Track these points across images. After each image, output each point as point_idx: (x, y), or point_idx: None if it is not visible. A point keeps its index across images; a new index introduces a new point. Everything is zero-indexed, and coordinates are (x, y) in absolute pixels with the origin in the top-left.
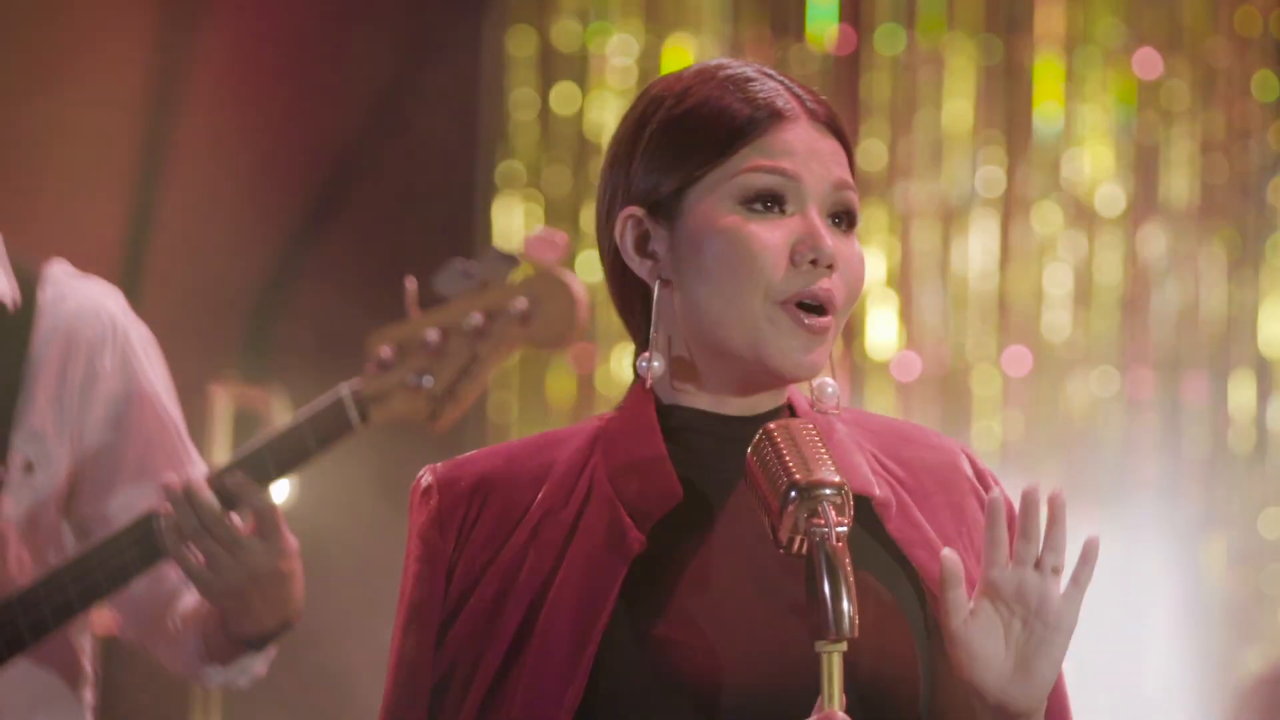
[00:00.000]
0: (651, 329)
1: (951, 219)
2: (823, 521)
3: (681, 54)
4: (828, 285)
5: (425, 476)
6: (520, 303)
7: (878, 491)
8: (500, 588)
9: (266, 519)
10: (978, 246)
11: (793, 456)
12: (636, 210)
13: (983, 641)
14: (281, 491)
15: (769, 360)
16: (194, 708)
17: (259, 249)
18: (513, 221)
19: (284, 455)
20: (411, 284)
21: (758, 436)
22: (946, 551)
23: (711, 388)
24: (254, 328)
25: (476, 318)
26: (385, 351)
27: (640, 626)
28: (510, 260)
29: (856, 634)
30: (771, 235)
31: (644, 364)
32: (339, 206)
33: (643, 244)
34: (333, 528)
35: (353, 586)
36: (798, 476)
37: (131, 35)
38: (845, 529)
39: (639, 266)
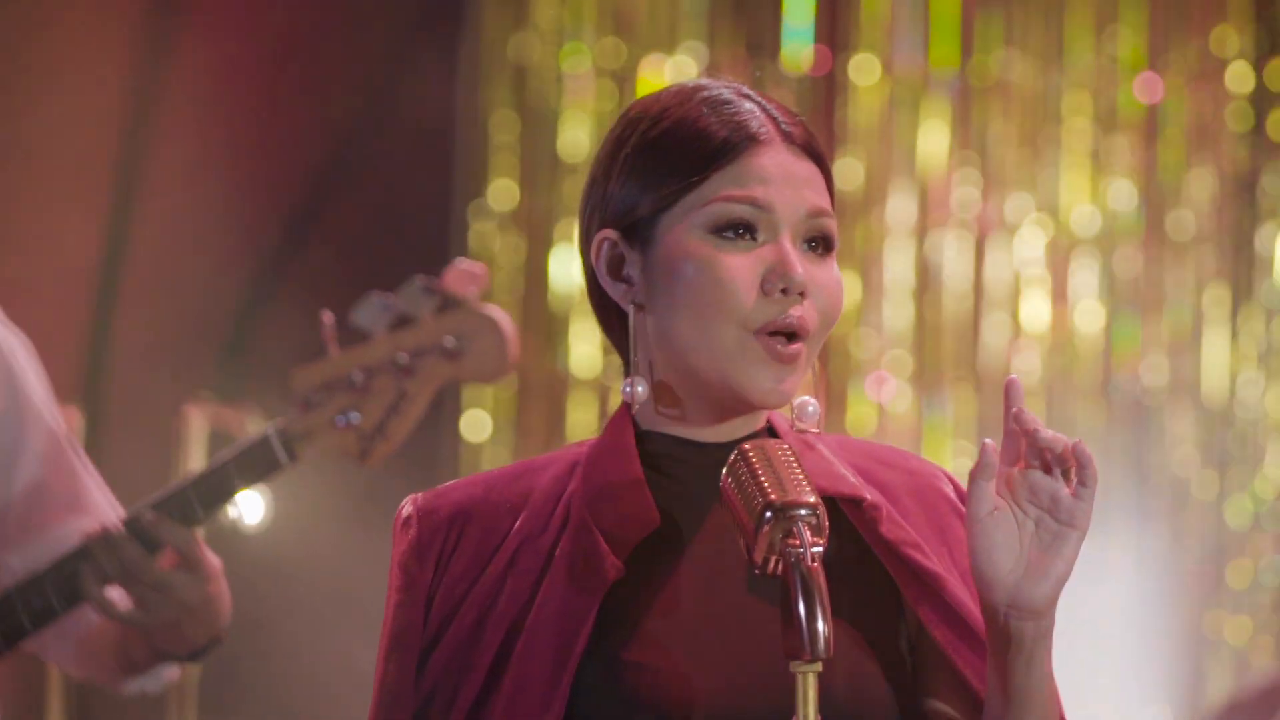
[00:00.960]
0: (631, 353)
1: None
2: (798, 542)
3: (656, 74)
4: (799, 313)
5: (406, 507)
6: (448, 340)
7: (868, 495)
8: (479, 615)
9: (188, 553)
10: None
11: (768, 477)
12: (611, 233)
13: (1000, 534)
14: (256, 510)
15: (740, 389)
16: (169, 710)
17: (234, 269)
18: (488, 241)
19: (210, 494)
20: (329, 319)
21: (733, 457)
22: (987, 441)
23: (688, 414)
24: (229, 348)
25: (403, 356)
26: (310, 391)
27: (617, 652)
28: (430, 293)
29: (831, 654)
30: (742, 264)
31: (628, 388)
32: (315, 227)
33: (617, 267)
34: (306, 544)
35: (326, 601)
36: (773, 497)
37: (108, 56)
38: (820, 549)
39: (613, 290)
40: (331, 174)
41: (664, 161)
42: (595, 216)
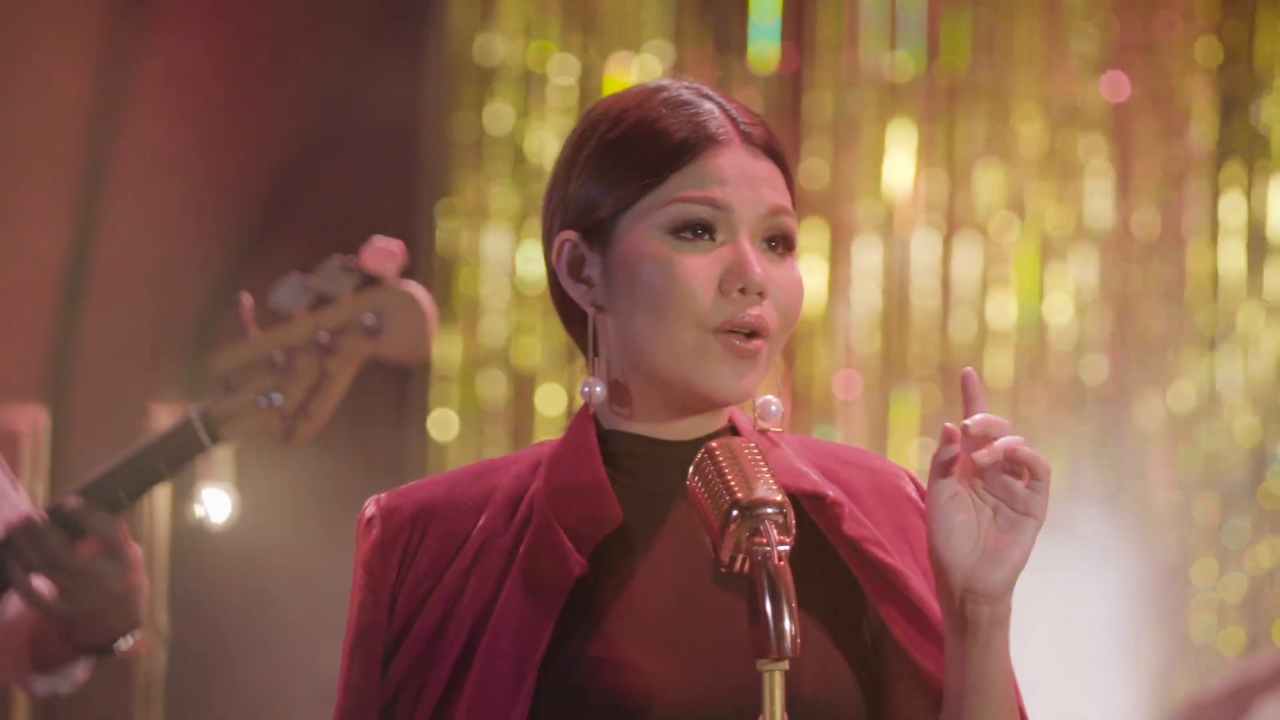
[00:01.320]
0: (591, 354)
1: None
2: (765, 540)
3: (623, 73)
4: (757, 313)
5: (369, 508)
6: (368, 318)
7: (830, 492)
8: (443, 613)
9: (111, 540)
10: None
11: (735, 475)
12: (571, 234)
13: (959, 519)
14: (223, 509)
15: (700, 387)
16: (135, 710)
17: (200, 268)
18: (456, 238)
19: (134, 481)
20: (247, 300)
21: (699, 455)
22: (948, 425)
23: (649, 412)
24: (195, 347)
25: (324, 335)
26: (229, 373)
27: (582, 649)
28: (349, 272)
29: (798, 653)
30: (700, 265)
31: (586, 389)
32: (280, 226)
33: (577, 268)
34: (272, 543)
35: (292, 600)
36: (740, 495)
37: (73, 56)
38: (787, 547)
39: (574, 291)
40: (297, 173)
41: (623, 163)
42: (556, 217)
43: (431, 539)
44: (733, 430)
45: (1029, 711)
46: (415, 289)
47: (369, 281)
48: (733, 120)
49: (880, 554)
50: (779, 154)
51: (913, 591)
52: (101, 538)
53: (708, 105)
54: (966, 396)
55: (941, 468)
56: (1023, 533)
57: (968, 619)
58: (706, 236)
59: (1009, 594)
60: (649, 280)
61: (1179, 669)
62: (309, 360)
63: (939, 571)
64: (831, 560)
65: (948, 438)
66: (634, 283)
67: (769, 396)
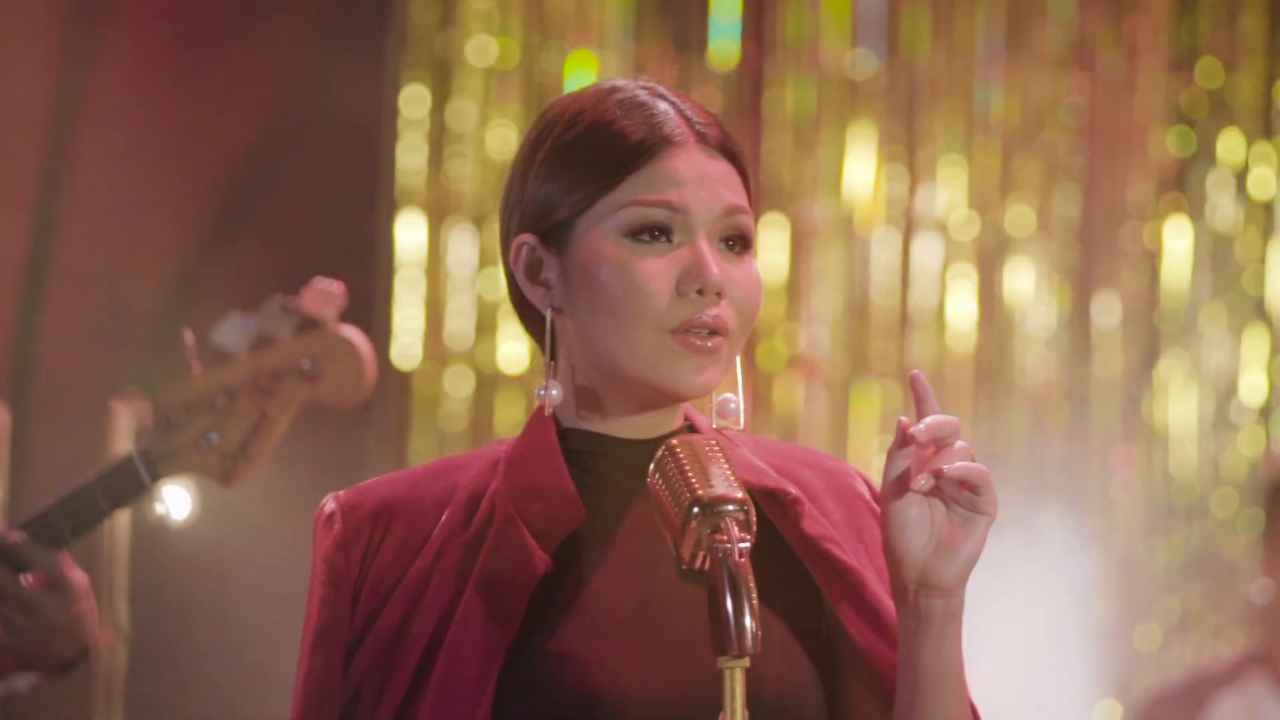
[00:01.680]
0: (549, 357)
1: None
2: (726, 537)
3: (584, 71)
4: (715, 313)
5: (329, 504)
6: (306, 363)
7: (792, 490)
8: (405, 610)
9: (53, 574)
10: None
11: (695, 472)
12: (529, 237)
13: (913, 512)
14: (183, 506)
15: (661, 384)
16: (95, 706)
17: (160, 265)
18: (414, 235)
19: (77, 516)
20: (190, 338)
21: (660, 452)
22: (903, 419)
23: (610, 411)
24: (156, 344)
25: (263, 378)
26: (172, 412)
27: (547, 646)
28: (289, 313)
29: (759, 649)
30: (657, 267)
31: (542, 391)
32: (241, 222)
33: (535, 271)
34: (233, 541)
35: (253, 598)
36: (701, 492)
37: (32, 52)
38: (748, 544)
39: (532, 293)
40: (258, 170)
41: (578, 165)
42: (513, 219)
43: (394, 536)
44: (690, 429)
45: (979, 708)
46: (353, 334)
47: (309, 325)
48: (688, 120)
49: (838, 553)
50: (735, 153)
51: (869, 591)
52: (43, 572)
53: (663, 106)
54: (917, 397)
55: (896, 460)
56: (975, 527)
57: (921, 613)
58: (664, 238)
59: (962, 587)
60: (607, 283)
61: (1139, 667)
62: (248, 402)
63: (893, 565)
64: (789, 559)
65: (901, 433)
66: (592, 286)
67: (728, 394)
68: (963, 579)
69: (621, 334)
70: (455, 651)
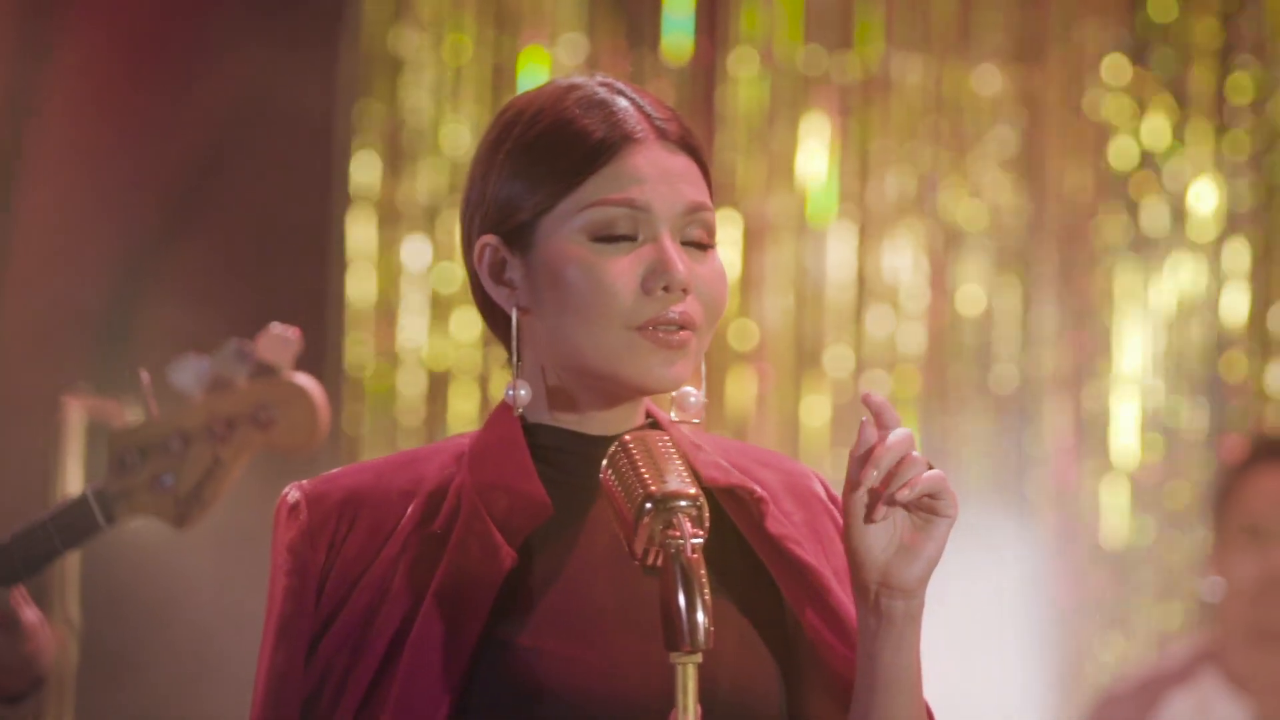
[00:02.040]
0: (515, 357)
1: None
2: (678, 533)
3: (538, 66)
4: (682, 309)
5: (292, 493)
6: (260, 411)
7: (757, 488)
8: (371, 601)
9: (6, 613)
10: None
11: (648, 468)
12: (492, 238)
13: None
14: None
15: (630, 379)
16: (47, 701)
17: (112, 261)
18: (366, 233)
19: (30, 554)
20: (145, 378)
21: (613, 449)
22: (865, 419)
23: (576, 407)
24: (108, 340)
25: (218, 425)
26: (127, 453)
27: (515, 640)
28: (245, 359)
29: (711, 645)
30: (622, 266)
31: (510, 392)
32: (193, 219)
33: (499, 271)
34: (184, 536)
35: (204, 593)
36: (653, 488)
37: None
38: (701, 540)
39: (497, 294)
40: (210, 166)
41: (540, 166)
42: (475, 220)
43: (360, 526)
44: (653, 425)
45: (932, 708)
46: (307, 382)
47: (263, 370)
48: (647, 117)
49: (800, 553)
50: (694, 148)
51: (830, 591)
52: None
53: (622, 103)
54: (875, 417)
55: (857, 463)
56: (936, 529)
57: (883, 613)
58: (628, 238)
59: (923, 588)
60: (573, 283)
61: (1088, 665)
62: (202, 447)
63: (855, 566)
64: (750, 557)
65: (863, 431)
66: (558, 286)
67: (688, 388)
68: (924, 580)
69: (589, 333)
70: (421, 644)
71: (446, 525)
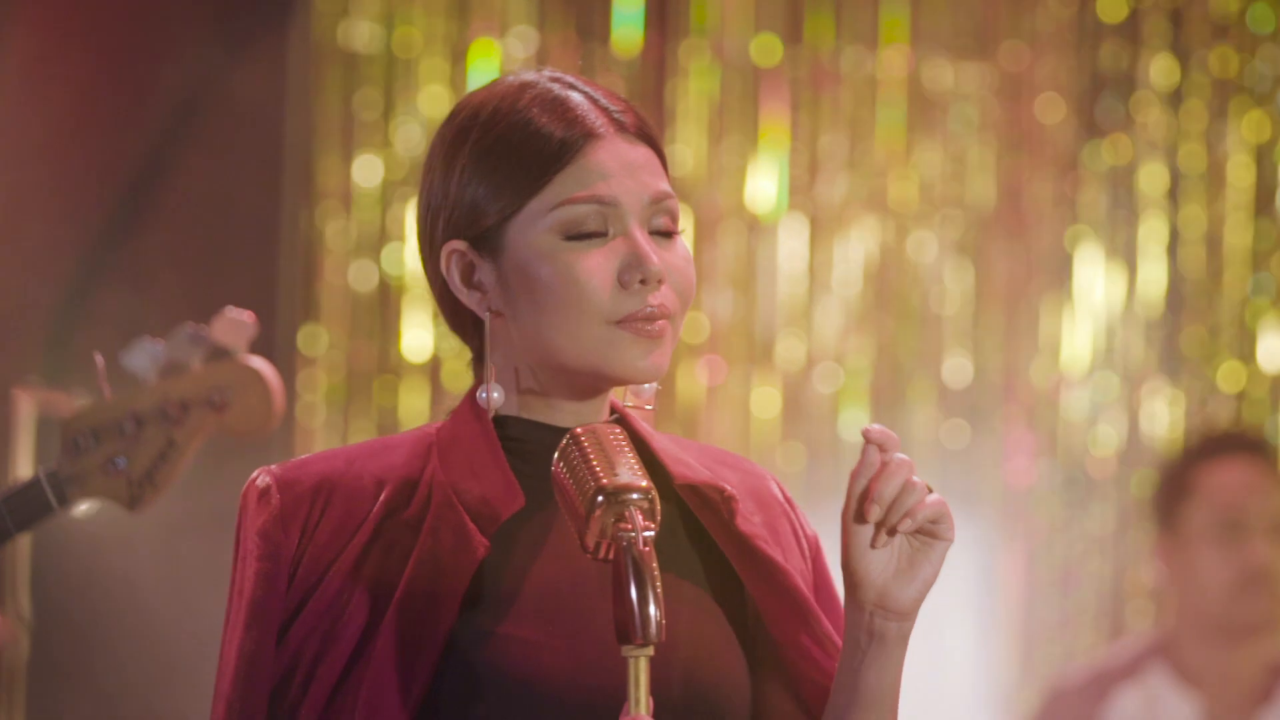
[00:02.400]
0: (487, 360)
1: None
2: (630, 526)
3: (488, 60)
4: (658, 300)
5: (261, 478)
6: (214, 394)
7: (728, 487)
8: (343, 588)
9: None
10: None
11: (600, 460)
12: (459, 244)
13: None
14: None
15: (613, 373)
16: None
17: (62, 253)
18: (320, 225)
19: None
20: (100, 361)
21: (564, 441)
22: (868, 437)
23: (548, 402)
24: (59, 333)
25: (172, 407)
26: (81, 435)
27: (487, 627)
28: (200, 342)
29: (664, 638)
30: (597, 262)
31: (483, 394)
32: (145, 211)
33: (469, 276)
34: (136, 529)
35: (157, 587)
36: (604, 480)
37: None
38: (653, 533)
39: (469, 299)
40: (160, 159)
41: (503, 169)
42: (438, 226)
43: (333, 512)
44: (619, 420)
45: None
46: (261, 365)
47: (218, 354)
48: (604, 111)
49: (770, 551)
50: (651, 136)
51: (799, 591)
52: None
53: (577, 98)
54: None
55: (860, 482)
56: (934, 552)
57: (875, 633)
58: (599, 235)
59: (917, 609)
60: (549, 284)
61: (1038, 658)
62: (157, 429)
63: (851, 586)
64: (715, 554)
65: (866, 454)
66: (532, 288)
67: None
68: (919, 602)
69: (569, 331)
70: (395, 630)
71: (419, 514)
